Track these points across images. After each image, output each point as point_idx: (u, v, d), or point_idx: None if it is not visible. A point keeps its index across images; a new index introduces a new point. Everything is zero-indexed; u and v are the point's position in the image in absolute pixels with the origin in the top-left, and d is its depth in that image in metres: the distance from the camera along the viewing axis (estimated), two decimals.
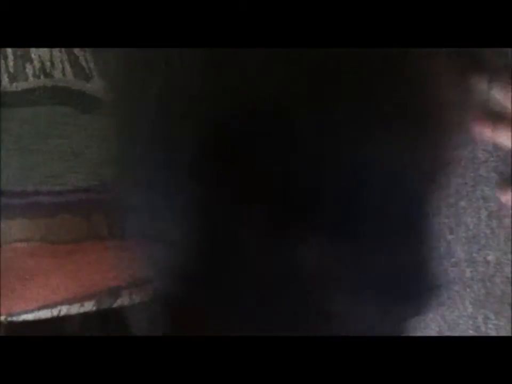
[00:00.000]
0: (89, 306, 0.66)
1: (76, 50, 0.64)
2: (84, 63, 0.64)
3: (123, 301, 0.68)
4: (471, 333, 0.55)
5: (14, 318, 0.62)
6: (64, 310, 0.64)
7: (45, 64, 0.62)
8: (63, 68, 0.63)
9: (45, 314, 0.63)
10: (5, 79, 0.62)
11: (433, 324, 0.57)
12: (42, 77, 0.62)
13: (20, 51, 0.62)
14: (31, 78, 0.62)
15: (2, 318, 0.61)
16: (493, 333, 0.53)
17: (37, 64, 0.62)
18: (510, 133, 0.47)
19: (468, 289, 0.54)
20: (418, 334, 0.59)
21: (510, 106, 0.46)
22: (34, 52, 0.62)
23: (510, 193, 0.49)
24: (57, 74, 0.63)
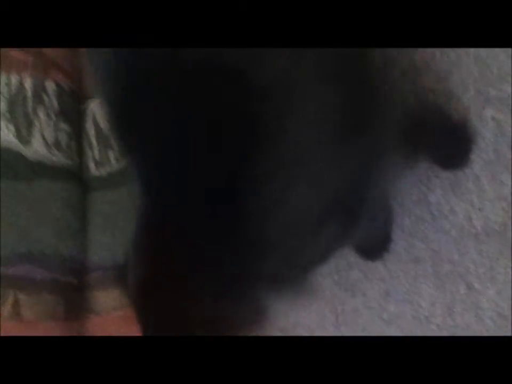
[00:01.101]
0: None
1: None
2: None
3: None
4: None
5: None
6: None
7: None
8: None
9: None
10: (92, 167, 0.69)
11: None
12: (122, 160, 0.68)
13: (102, 138, 0.68)
14: (113, 162, 0.69)
15: None
16: None
17: (116, 149, 0.68)
18: None
19: None
20: None
21: None
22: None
23: None
24: None
